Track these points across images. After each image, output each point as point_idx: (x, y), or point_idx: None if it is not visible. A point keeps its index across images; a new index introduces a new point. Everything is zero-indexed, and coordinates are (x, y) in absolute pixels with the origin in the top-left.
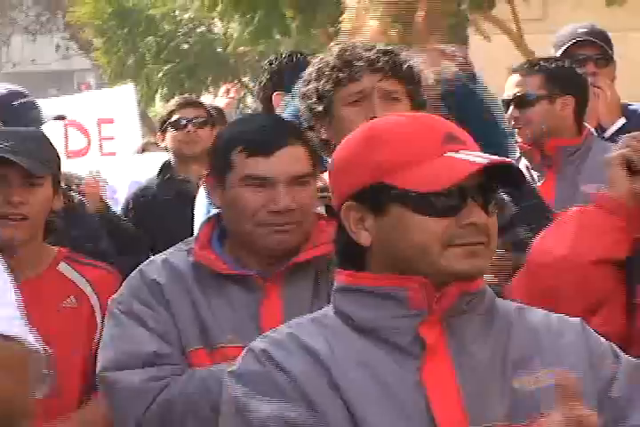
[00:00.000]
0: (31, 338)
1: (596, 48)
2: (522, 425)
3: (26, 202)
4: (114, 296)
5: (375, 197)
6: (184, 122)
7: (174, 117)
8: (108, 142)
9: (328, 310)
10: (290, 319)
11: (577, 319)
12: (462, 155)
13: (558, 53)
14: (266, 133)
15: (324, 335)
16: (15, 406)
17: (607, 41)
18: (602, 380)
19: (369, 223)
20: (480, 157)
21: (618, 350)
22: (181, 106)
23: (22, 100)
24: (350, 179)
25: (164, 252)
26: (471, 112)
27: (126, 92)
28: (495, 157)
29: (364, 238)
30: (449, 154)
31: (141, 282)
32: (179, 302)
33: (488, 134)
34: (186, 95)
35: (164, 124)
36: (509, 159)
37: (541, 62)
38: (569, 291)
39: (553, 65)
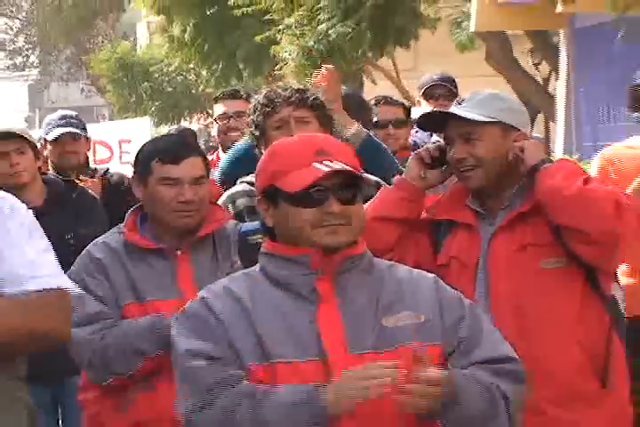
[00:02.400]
0: (71, 285)
1: (444, 88)
2: (386, 352)
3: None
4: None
5: (271, 195)
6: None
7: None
8: (126, 155)
9: (256, 267)
10: (200, 279)
11: (432, 275)
12: (322, 165)
13: (421, 93)
14: (175, 148)
15: (250, 286)
16: (58, 333)
17: (453, 83)
18: (450, 323)
19: (270, 211)
20: (335, 166)
21: (463, 298)
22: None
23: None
24: (259, 181)
25: (104, 235)
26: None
27: (144, 122)
28: (343, 167)
29: (269, 221)
30: (314, 164)
31: (88, 260)
32: (115, 272)
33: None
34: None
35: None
36: (349, 168)
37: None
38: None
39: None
